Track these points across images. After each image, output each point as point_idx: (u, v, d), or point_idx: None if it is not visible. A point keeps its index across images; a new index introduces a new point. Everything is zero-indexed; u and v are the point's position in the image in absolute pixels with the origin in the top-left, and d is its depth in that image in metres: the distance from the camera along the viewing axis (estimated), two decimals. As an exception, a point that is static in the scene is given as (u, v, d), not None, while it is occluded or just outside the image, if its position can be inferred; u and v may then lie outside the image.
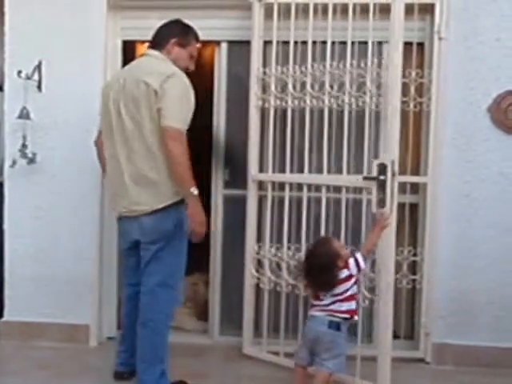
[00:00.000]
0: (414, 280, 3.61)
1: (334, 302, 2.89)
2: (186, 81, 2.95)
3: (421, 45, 3.60)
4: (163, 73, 2.90)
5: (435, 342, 3.60)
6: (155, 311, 3.02)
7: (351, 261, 2.90)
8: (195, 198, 2.91)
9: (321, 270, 2.85)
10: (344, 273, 2.88)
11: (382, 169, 2.99)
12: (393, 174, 2.97)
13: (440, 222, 3.56)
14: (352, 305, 2.91)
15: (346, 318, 2.89)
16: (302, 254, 3.31)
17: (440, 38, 3.49)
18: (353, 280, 2.89)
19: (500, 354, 3.54)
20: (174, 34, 3.09)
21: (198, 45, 3.18)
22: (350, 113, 3.41)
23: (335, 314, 2.88)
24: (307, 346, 2.96)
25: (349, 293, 2.89)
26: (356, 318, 2.97)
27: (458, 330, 3.59)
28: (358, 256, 2.92)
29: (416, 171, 3.65)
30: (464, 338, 3.58)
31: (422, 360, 3.62)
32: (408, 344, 3.70)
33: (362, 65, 3.37)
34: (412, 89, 3.50)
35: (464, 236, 3.57)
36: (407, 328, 3.71)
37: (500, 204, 3.54)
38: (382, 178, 3.00)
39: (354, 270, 2.89)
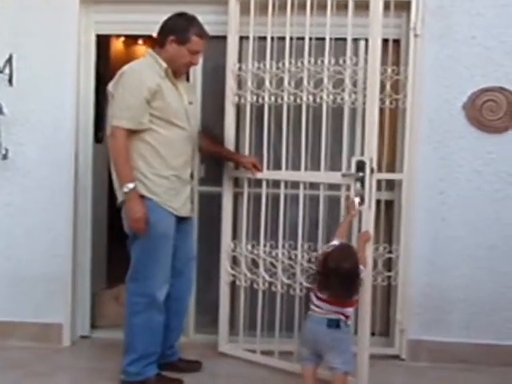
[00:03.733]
0: (389, 277, 3.62)
1: (338, 305, 2.90)
2: (136, 77, 3.01)
3: (397, 42, 3.60)
4: (118, 73, 3.04)
5: (410, 339, 3.61)
6: (127, 303, 3.14)
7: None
8: (130, 195, 2.98)
9: (352, 280, 2.84)
10: None
11: (361, 166, 2.99)
12: (371, 171, 2.98)
13: (415, 219, 3.58)
14: (350, 310, 2.95)
15: (345, 317, 2.91)
16: (316, 254, 3.32)
17: (416, 35, 3.50)
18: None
19: (474, 350, 3.57)
20: (172, 31, 3.09)
21: (202, 39, 3.12)
22: (327, 110, 3.39)
23: (333, 314, 2.89)
24: (308, 346, 2.94)
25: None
26: (349, 322, 2.97)
27: (432, 326, 3.61)
28: (361, 267, 2.94)
29: (392, 168, 3.66)
30: (439, 335, 3.61)
31: (397, 357, 3.63)
32: (383, 341, 3.72)
33: (341, 62, 3.36)
34: (388, 86, 3.50)
35: (438, 233, 3.59)
36: (382, 325, 3.72)
37: (474, 202, 3.57)
38: (360, 174, 3.01)
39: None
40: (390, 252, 3.61)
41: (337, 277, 2.82)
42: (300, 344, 3.04)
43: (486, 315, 3.58)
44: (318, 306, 2.94)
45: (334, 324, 2.88)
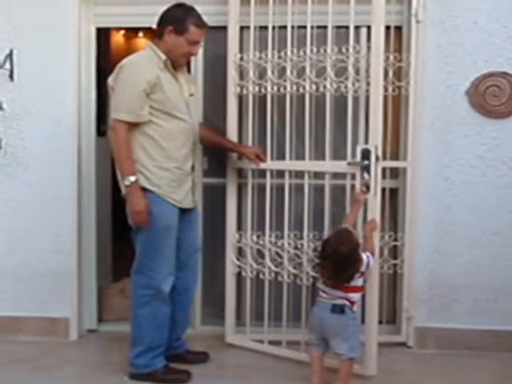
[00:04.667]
0: (395, 265, 3.62)
1: (339, 290, 2.95)
2: (135, 70, 3.02)
3: (399, 28, 3.58)
4: (118, 66, 3.04)
5: (417, 326, 3.62)
6: (132, 295, 3.15)
7: (364, 257, 2.96)
8: (131, 188, 2.99)
9: (346, 265, 2.88)
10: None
11: (366, 154, 2.98)
12: (377, 159, 2.98)
13: (420, 207, 3.57)
14: (355, 296, 2.98)
15: (350, 303, 2.96)
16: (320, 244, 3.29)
17: (417, 22, 3.48)
18: (358, 273, 2.95)
19: (480, 336, 3.57)
20: (170, 21, 3.09)
21: (201, 29, 3.11)
22: (330, 98, 3.37)
23: (338, 299, 2.94)
24: (315, 332, 3.01)
25: (352, 284, 2.94)
26: (355, 308, 3.00)
27: (439, 313, 3.61)
28: (369, 255, 3.00)
29: (395, 156, 3.65)
30: (445, 322, 3.61)
31: (404, 344, 3.64)
32: (390, 329, 3.71)
33: (344, 50, 3.35)
34: (390, 73, 3.48)
35: (443, 220, 3.59)
36: (389, 313, 3.72)
37: (478, 188, 3.56)
38: (366, 162, 3.00)
39: (363, 268, 2.96)
40: (396, 240, 3.61)
41: (334, 261, 2.88)
42: (308, 330, 3.07)
43: (491, 301, 3.58)
44: (324, 292, 2.99)
45: (339, 309, 2.92)
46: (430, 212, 3.58)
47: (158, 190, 3.07)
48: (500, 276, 3.57)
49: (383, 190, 3.47)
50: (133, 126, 3.01)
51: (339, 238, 2.95)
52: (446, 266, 3.60)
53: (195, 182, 3.26)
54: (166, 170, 3.08)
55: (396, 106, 3.60)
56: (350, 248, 2.89)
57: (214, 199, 3.77)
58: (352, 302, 2.97)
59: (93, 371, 3.31)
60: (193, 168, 3.22)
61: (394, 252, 3.63)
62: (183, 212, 3.19)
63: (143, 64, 3.06)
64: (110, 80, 3.10)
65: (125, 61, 3.06)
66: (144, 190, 3.04)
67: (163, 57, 3.08)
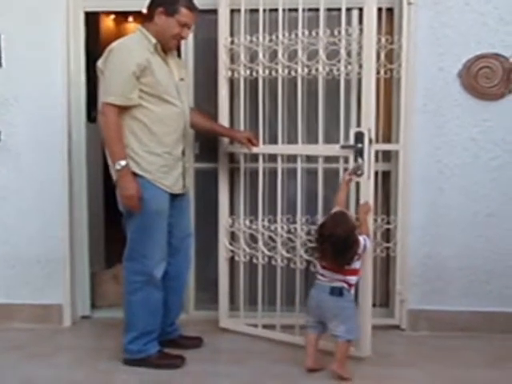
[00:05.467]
0: (387, 248, 3.63)
1: (339, 273, 2.97)
2: (124, 53, 2.99)
3: (390, 10, 3.55)
4: (107, 49, 3.01)
5: (410, 309, 3.63)
6: (125, 281, 3.16)
7: (361, 240, 2.98)
8: (122, 172, 2.97)
9: (345, 247, 2.91)
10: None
11: (359, 137, 2.98)
12: (370, 142, 2.98)
13: (412, 190, 3.57)
14: (353, 279, 3.00)
15: (348, 285, 2.98)
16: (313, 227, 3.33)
17: (409, 3, 3.45)
18: (356, 256, 2.97)
19: (473, 317, 3.59)
20: (160, 2, 3.06)
21: (191, 12, 3.08)
22: (323, 81, 3.35)
23: (336, 282, 2.96)
24: (314, 314, 3.04)
25: (351, 266, 2.97)
26: (352, 291, 3.03)
27: (431, 296, 3.62)
28: (366, 237, 3.01)
29: (388, 139, 3.64)
30: (438, 304, 3.62)
31: (398, 327, 3.65)
32: (383, 311, 3.73)
33: (336, 32, 3.32)
34: (382, 55, 3.47)
35: (436, 203, 3.58)
36: (382, 296, 3.74)
37: (471, 170, 3.56)
38: (359, 145, 3.00)
39: (360, 250, 2.98)
40: (388, 223, 3.62)
41: (331, 244, 2.91)
42: (307, 312, 3.08)
43: (484, 283, 3.60)
44: (322, 275, 3.01)
45: (337, 291, 2.95)
46: (422, 195, 3.57)
47: (149, 176, 3.05)
48: (492, 258, 3.58)
49: (376, 173, 3.45)
50: (123, 110, 2.98)
51: (335, 221, 2.97)
52: (438, 248, 3.60)
53: (186, 167, 3.24)
54: (156, 155, 3.06)
55: (388, 89, 3.59)
56: (346, 230, 2.91)
57: (206, 184, 3.75)
58: (350, 285, 2.99)
59: (87, 357, 3.31)
60: (183, 153, 3.20)
61: (387, 235, 3.64)
62: (174, 197, 3.17)
63: (133, 47, 3.03)
64: (100, 63, 3.07)
65: (114, 44, 3.03)
66: (134, 175, 3.01)
67: (153, 40, 3.05)
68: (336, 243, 2.89)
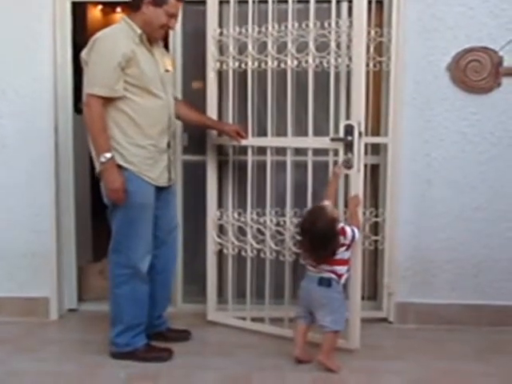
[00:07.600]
0: (376, 241, 3.64)
1: (325, 264, 2.99)
2: (109, 43, 2.95)
3: (380, 3, 3.55)
4: (92, 40, 2.97)
5: (398, 302, 3.64)
6: (111, 274, 3.14)
7: (349, 230, 2.99)
8: (107, 165, 2.94)
9: (324, 242, 2.92)
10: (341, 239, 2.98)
11: (349, 130, 2.98)
12: (359, 135, 2.98)
13: (401, 183, 3.57)
14: (342, 269, 3.02)
15: (337, 276, 3.00)
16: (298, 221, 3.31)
17: (399, -4, 3.45)
18: (344, 247, 2.99)
19: (460, 310, 3.61)
20: None
21: (179, 2, 3.06)
22: (313, 74, 3.33)
23: (325, 273, 2.98)
24: (303, 304, 3.06)
25: (339, 257, 2.98)
26: (343, 281, 3.04)
27: (419, 289, 3.63)
28: (354, 228, 3.03)
29: (376, 132, 3.64)
30: (426, 297, 3.63)
31: (385, 320, 3.66)
32: (371, 304, 3.73)
33: (326, 25, 3.30)
34: (371, 48, 3.46)
35: (424, 196, 3.59)
36: (370, 289, 3.74)
37: (459, 163, 3.57)
38: (349, 138, 3.00)
39: (348, 240, 2.99)
40: (377, 216, 3.62)
41: (311, 238, 2.95)
42: (297, 303, 3.10)
43: (472, 276, 3.61)
44: (311, 265, 3.00)
45: (326, 282, 2.98)
46: (411, 188, 3.58)
47: (133, 168, 3.02)
48: (481, 251, 3.59)
49: (364, 166, 3.45)
50: (107, 101, 2.95)
51: (312, 216, 3.00)
52: (426, 241, 3.61)
53: (171, 159, 3.22)
54: (141, 147, 3.03)
55: (377, 82, 3.59)
56: (324, 224, 2.93)
57: (194, 176, 3.73)
58: (339, 275, 3.00)
59: (74, 351, 3.29)
60: (169, 145, 3.17)
61: (375, 228, 3.65)
62: (160, 190, 3.15)
63: (118, 37, 2.98)
64: (84, 53, 3.02)
65: (99, 34, 2.99)
66: (119, 167, 2.98)
67: (138, 31, 3.01)
68: (315, 238, 2.93)
